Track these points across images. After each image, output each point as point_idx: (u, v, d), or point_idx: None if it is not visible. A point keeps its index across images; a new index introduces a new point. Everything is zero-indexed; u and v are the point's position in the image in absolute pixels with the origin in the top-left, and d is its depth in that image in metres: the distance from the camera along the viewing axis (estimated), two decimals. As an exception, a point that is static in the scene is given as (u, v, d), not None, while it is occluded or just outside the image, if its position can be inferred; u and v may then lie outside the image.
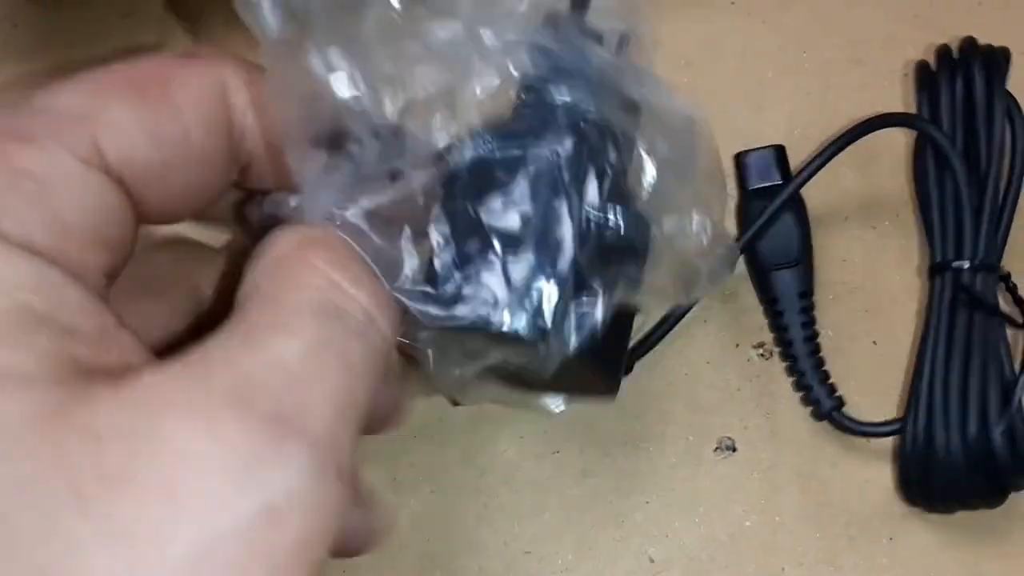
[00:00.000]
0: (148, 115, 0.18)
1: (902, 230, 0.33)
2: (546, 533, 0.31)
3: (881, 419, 0.31)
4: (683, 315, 0.31)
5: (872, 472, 0.31)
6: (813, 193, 0.33)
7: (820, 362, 0.32)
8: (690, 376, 0.32)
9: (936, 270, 0.31)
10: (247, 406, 0.15)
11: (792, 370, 0.32)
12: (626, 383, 0.32)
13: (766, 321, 0.33)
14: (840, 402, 0.31)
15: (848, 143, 0.31)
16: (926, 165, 0.32)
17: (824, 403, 0.31)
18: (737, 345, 0.33)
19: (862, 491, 0.31)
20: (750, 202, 0.33)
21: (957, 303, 0.30)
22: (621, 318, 0.21)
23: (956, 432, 0.29)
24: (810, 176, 0.31)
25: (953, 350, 0.29)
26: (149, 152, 0.18)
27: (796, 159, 0.33)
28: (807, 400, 0.31)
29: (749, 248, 0.32)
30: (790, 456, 0.31)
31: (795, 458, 0.31)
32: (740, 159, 0.33)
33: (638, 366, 0.32)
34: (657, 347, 0.32)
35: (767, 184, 0.33)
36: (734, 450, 0.32)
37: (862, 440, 0.31)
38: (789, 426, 0.32)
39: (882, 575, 0.30)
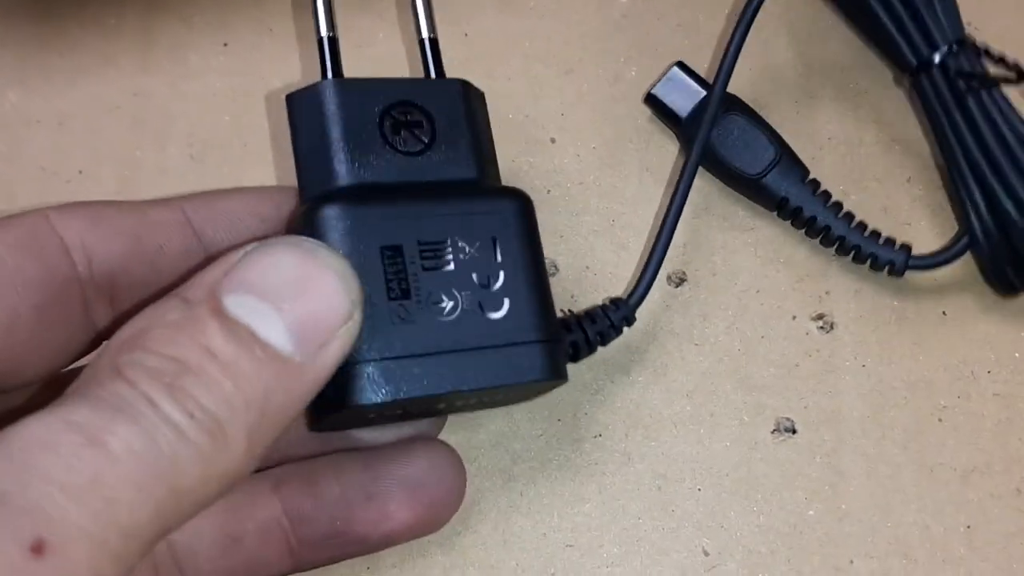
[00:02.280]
0: None
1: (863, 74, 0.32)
2: (589, 524, 0.28)
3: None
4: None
5: (946, 454, 0.28)
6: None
7: (864, 226, 0.30)
8: (743, 352, 0.29)
9: (919, 71, 0.29)
10: None
11: (844, 248, 0.29)
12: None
13: (824, 292, 0.30)
14: (907, 247, 0.29)
15: (750, 22, 0.29)
16: None
17: (895, 257, 0.29)
18: (794, 317, 0.30)
19: (934, 475, 0.28)
20: (692, 128, 0.30)
21: (958, 89, 0.29)
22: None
23: None
24: (731, 69, 0.29)
25: (980, 129, 0.28)
26: None
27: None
28: (876, 265, 0.29)
29: (725, 172, 0.30)
30: (855, 438, 0.29)
31: (861, 440, 0.29)
32: (652, 98, 0.31)
33: (685, 341, 0.29)
34: (707, 321, 0.30)
35: (696, 103, 0.30)
36: (794, 432, 0.29)
37: (933, 421, 0.29)
38: (854, 405, 0.29)
39: (960, 567, 0.28)
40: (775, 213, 0.30)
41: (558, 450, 0.29)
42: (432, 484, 0.24)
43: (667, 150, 0.32)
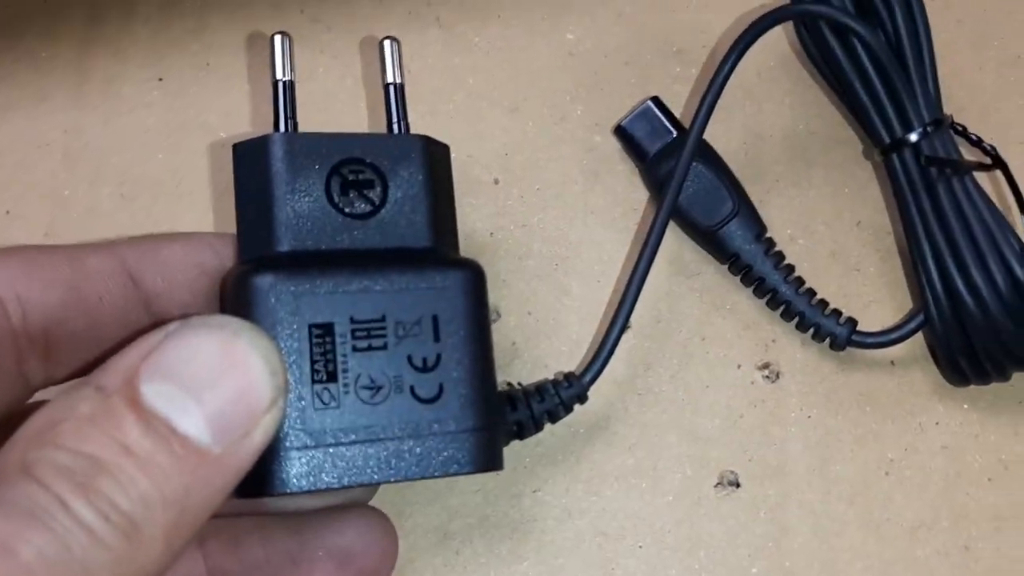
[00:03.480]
0: None
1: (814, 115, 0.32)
2: (526, 584, 0.27)
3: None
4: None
5: (893, 510, 0.28)
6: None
7: (812, 293, 0.29)
8: (687, 402, 0.29)
9: (891, 150, 0.28)
10: None
11: (789, 314, 0.29)
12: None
13: (770, 340, 0.29)
14: (853, 322, 0.28)
15: (733, 66, 0.28)
16: (831, 50, 0.29)
17: (838, 331, 0.28)
18: (739, 366, 0.29)
19: (881, 531, 0.28)
20: (657, 168, 0.29)
21: (928, 174, 0.28)
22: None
23: (986, 289, 0.27)
24: (707, 117, 0.28)
25: (946, 217, 0.27)
26: None
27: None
28: (818, 336, 0.29)
29: (680, 219, 0.29)
30: (800, 492, 0.28)
31: (806, 494, 0.28)
32: (622, 131, 0.30)
33: (627, 391, 0.29)
34: (650, 370, 0.29)
35: (664, 143, 0.30)
36: (738, 485, 0.28)
37: (880, 475, 0.28)
38: (799, 457, 0.28)
39: (906, 627, 0.27)
40: (726, 267, 0.29)
41: (496, 505, 0.28)
42: (360, 554, 0.24)
43: (613, 192, 0.31)
